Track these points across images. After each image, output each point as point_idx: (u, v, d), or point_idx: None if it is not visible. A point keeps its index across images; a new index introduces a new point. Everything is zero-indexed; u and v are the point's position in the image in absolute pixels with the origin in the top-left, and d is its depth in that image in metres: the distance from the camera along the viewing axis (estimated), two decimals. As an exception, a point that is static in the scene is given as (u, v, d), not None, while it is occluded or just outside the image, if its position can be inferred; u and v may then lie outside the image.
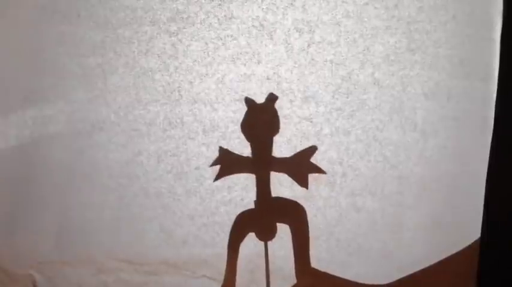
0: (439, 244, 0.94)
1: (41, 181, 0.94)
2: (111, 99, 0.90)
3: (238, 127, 0.90)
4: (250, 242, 0.95)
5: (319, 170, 0.92)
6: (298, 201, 0.93)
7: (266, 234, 0.94)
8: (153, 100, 0.90)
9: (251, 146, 0.91)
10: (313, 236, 0.95)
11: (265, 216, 0.94)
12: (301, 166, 0.91)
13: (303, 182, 0.92)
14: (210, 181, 0.93)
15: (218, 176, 0.93)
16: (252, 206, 0.94)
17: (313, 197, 0.93)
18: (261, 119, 0.90)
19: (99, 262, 0.96)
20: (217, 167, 0.92)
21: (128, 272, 0.97)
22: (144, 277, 0.97)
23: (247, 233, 0.95)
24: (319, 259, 0.95)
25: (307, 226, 0.94)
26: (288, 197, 0.93)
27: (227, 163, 0.92)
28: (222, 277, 0.96)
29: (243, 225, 0.94)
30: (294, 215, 0.94)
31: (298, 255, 0.94)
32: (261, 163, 0.91)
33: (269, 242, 0.95)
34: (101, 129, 0.91)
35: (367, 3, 0.85)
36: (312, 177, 0.92)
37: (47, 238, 0.96)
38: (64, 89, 0.90)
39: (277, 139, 0.91)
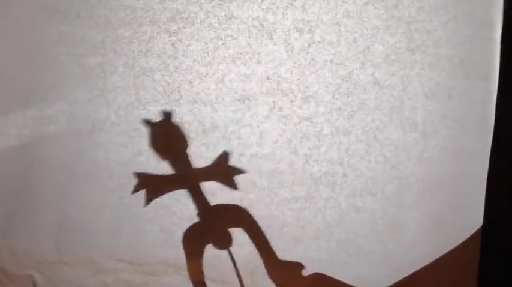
0: (439, 244, 0.94)
1: (41, 181, 0.94)
2: (111, 99, 0.90)
3: (238, 127, 0.90)
4: (249, 244, 0.95)
5: (240, 171, 0.92)
6: (299, 202, 0.93)
7: (222, 242, 0.94)
8: (153, 100, 0.90)
9: (169, 163, 0.92)
10: (313, 237, 0.94)
11: (213, 225, 0.94)
12: (223, 171, 0.92)
13: (232, 185, 0.93)
14: (210, 181, 0.93)
15: (147, 201, 0.93)
16: (253, 206, 0.94)
17: (313, 198, 0.93)
18: (165, 137, 0.91)
19: (99, 262, 0.96)
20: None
21: (127, 273, 0.97)
22: (144, 277, 0.97)
23: (204, 245, 0.94)
24: (320, 260, 0.95)
25: (256, 223, 0.93)
26: (288, 198, 0.93)
27: (151, 185, 0.92)
28: (221, 278, 0.96)
29: (194, 239, 0.94)
30: (239, 217, 0.94)
31: (261, 250, 0.94)
32: (186, 177, 0.92)
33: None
34: (101, 129, 0.91)
35: (367, 3, 0.85)
36: (311, 178, 0.92)
37: (46, 238, 0.96)
38: (64, 89, 0.90)
39: (277, 139, 0.90)
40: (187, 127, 0.91)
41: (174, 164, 0.91)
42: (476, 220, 0.93)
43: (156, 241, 0.95)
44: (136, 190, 0.92)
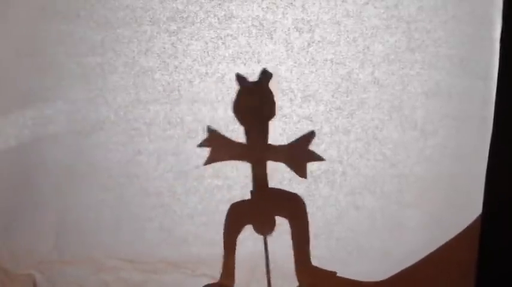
0: (438, 242, 0.94)
1: (41, 181, 0.94)
2: (111, 99, 0.90)
3: (238, 127, 0.90)
4: (250, 240, 0.95)
5: (318, 158, 0.91)
6: (298, 200, 0.93)
7: (264, 227, 0.94)
8: (153, 99, 0.90)
9: (245, 131, 0.90)
10: (313, 235, 0.95)
11: (262, 208, 0.93)
12: (298, 155, 0.90)
13: (301, 172, 0.91)
14: (210, 180, 0.93)
15: (209, 160, 0.91)
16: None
17: (312, 196, 0.93)
18: (255, 100, 0.89)
19: (99, 261, 0.96)
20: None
21: (127, 271, 0.97)
22: (144, 275, 0.97)
23: (244, 225, 0.94)
24: (319, 257, 0.95)
25: (307, 220, 0.93)
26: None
27: (218, 146, 0.90)
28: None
29: (239, 216, 0.93)
30: (293, 208, 0.93)
31: (297, 252, 0.94)
32: (256, 150, 0.90)
33: (270, 240, 0.95)
34: (100, 128, 0.91)
35: (367, 3, 0.85)
36: (311, 177, 0.92)
37: (46, 238, 0.96)
38: (64, 89, 0.90)
39: (277, 139, 0.90)
40: (187, 126, 0.91)
41: (250, 132, 0.89)
42: (474, 219, 0.93)
43: (156, 240, 0.96)
44: (202, 144, 0.90)
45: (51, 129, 0.91)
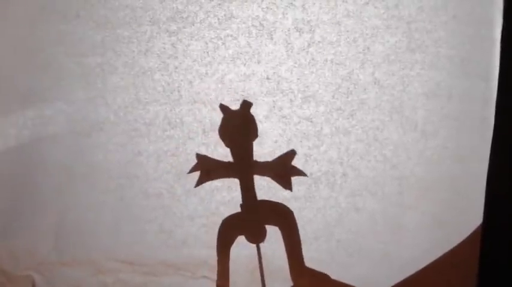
0: (439, 244, 0.94)
1: (40, 182, 0.94)
2: (111, 99, 0.90)
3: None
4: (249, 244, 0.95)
5: (301, 173, 0.92)
6: (298, 201, 0.93)
7: (256, 237, 0.94)
8: (153, 100, 0.90)
9: (231, 151, 0.91)
10: (313, 237, 0.94)
11: (252, 219, 0.94)
12: (283, 170, 0.92)
13: (287, 185, 0.92)
14: (210, 181, 0.93)
15: (198, 182, 0.93)
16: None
17: (313, 198, 0.93)
18: (237, 126, 0.90)
19: (99, 262, 0.96)
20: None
21: (127, 273, 0.96)
22: (144, 277, 0.97)
23: (236, 236, 0.94)
24: (319, 260, 0.95)
25: (297, 227, 0.93)
26: (288, 197, 0.93)
27: (207, 169, 0.92)
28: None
29: (230, 229, 0.94)
30: (282, 217, 0.93)
31: (291, 256, 0.94)
32: (243, 167, 0.91)
33: (266, 243, 0.94)
34: (100, 129, 0.91)
35: (367, 3, 0.85)
36: (311, 178, 0.92)
37: (46, 239, 0.96)
38: (63, 89, 0.90)
39: (277, 139, 0.90)
40: (187, 127, 0.90)
41: (235, 152, 0.91)
42: (476, 220, 0.93)
43: (156, 242, 0.95)
44: (193, 169, 0.92)
45: (50, 130, 0.91)
